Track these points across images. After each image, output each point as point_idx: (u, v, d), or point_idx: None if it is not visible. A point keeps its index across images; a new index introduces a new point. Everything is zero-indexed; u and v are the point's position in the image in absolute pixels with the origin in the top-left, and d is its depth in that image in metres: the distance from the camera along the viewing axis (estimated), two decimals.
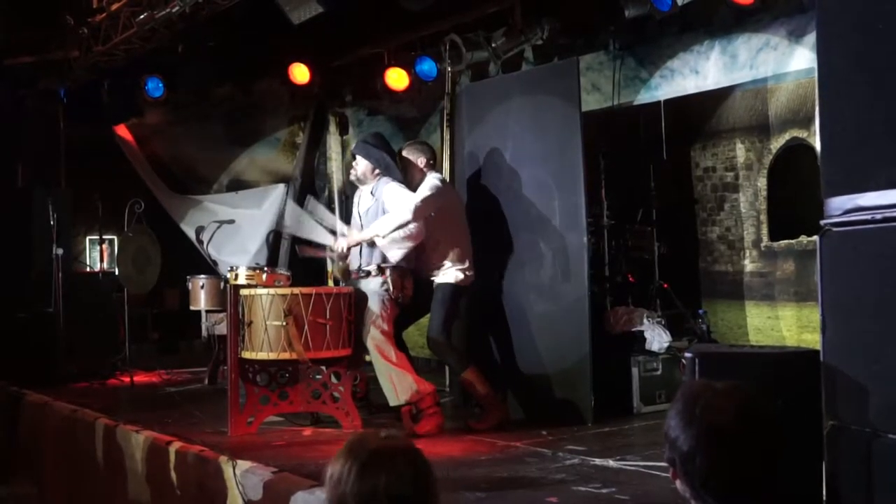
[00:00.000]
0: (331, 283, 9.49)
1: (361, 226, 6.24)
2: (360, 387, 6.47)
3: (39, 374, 8.23)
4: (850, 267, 3.23)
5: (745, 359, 3.83)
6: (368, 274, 6.05)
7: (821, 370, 3.33)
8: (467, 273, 6.17)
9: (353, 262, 6.23)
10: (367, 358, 6.21)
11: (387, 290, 5.97)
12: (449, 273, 6.12)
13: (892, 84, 3.11)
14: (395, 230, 5.95)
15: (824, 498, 3.33)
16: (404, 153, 6.37)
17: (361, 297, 6.04)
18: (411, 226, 5.95)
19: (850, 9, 3.33)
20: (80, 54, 9.22)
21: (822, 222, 3.32)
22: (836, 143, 3.34)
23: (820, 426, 3.35)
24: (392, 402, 5.98)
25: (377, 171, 6.21)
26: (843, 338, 3.26)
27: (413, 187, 6.16)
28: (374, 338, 5.95)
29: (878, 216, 3.11)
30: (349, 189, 10.05)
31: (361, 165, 6.26)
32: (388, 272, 5.98)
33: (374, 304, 5.99)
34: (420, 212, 5.95)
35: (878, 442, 3.09)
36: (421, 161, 6.29)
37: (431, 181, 6.16)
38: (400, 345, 6.21)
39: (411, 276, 6.11)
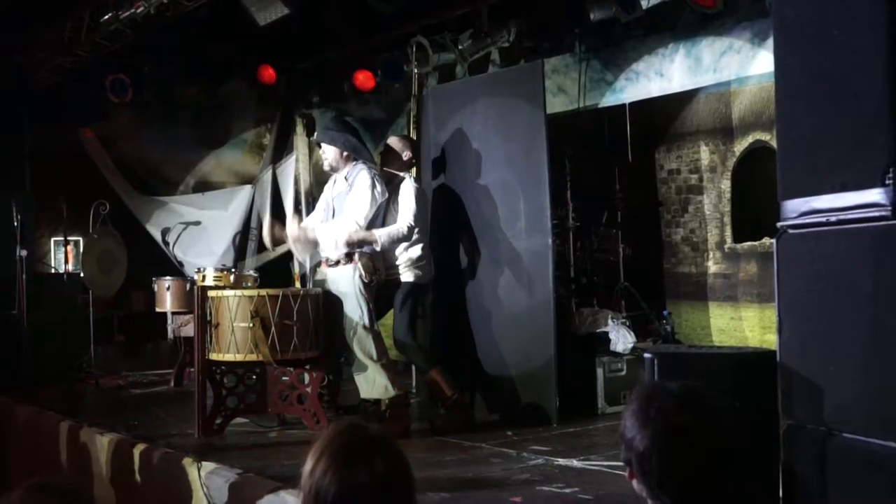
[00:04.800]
0: (298, 284, 9.49)
1: (333, 210, 6.24)
2: (331, 390, 6.44)
3: (3, 376, 8.15)
4: (806, 268, 3.28)
5: (703, 359, 3.87)
6: (338, 262, 6.05)
7: (777, 370, 3.39)
8: (426, 270, 6.24)
9: (322, 252, 6.21)
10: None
11: (360, 278, 5.96)
12: (407, 272, 6.17)
13: (845, 89, 3.16)
14: (393, 243, 6.08)
15: (781, 496, 3.39)
16: (392, 143, 6.46)
17: (336, 301, 6.03)
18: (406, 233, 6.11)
19: (805, 15, 3.37)
20: (44, 55, 9.15)
21: (779, 224, 3.37)
22: (791, 146, 3.39)
23: (777, 425, 3.41)
24: (362, 395, 6.01)
25: (346, 154, 6.18)
26: (799, 338, 3.30)
27: (390, 176, 6.19)
28: (358, 334, 5.93)
29: (833, 218, 3.16)
30: (316, 191, 10.04)
31: (329, 153, 6.22)
32: (356, 258, 5.98)
33: (351, 305, 5.95)
34: (417, 224, 6.11)
35: (832, 441, 3.14)
36: (406, 154, 6.38)
37: (413, 188, 6.21)
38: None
39: (381, 257, 6.13)
